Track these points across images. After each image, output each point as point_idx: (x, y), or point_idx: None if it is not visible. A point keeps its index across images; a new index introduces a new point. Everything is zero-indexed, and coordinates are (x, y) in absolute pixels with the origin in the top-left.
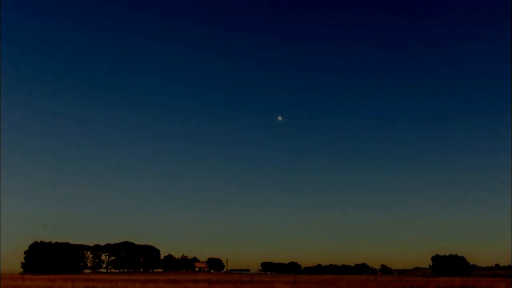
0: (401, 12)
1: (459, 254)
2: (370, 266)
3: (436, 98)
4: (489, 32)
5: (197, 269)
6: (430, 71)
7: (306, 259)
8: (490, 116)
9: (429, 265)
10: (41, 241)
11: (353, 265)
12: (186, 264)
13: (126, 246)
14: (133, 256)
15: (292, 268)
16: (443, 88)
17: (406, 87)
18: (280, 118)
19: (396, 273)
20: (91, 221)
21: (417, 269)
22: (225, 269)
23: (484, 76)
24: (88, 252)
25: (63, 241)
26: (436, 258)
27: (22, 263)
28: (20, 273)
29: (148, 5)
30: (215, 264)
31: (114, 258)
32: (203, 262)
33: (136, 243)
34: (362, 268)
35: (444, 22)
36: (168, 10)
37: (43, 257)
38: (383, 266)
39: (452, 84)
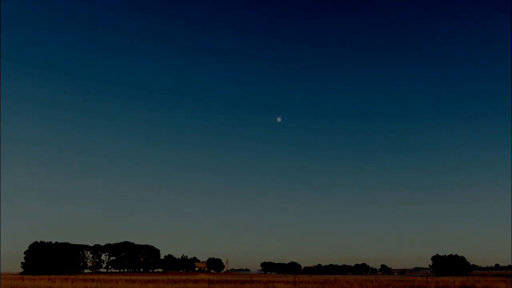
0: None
1: (459, 254)
2: (370, 266)
3: (438, 100)
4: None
5: (197, 269)
6: (431, 71)
7: (306, 259)
8: (490, 117)
9: (429, 265)
10: (41, 241)
11: (353, 265)
12: (186, 264)
13: (126, 246)
14: (133, 256)
15: (292, 268)
16: (445, 89)
17: (405, 86)
18: (279, 119)
19: (396, 273)
20: (91, 221)
21: (417, 269)
22: (225, 269)
23: (485, 78)
24: (88, 252)
25: (63, 241)
26: (436, 258)
27: (22, 263)
28: (20, 273)
29: (147, 8)
30: (215, 264)
31: (114, 258)
32: (203, 262)
33: (136, 243)
34: (362, 268)
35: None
36: (168, 15)
37: (43, 257)
38: (383, 266)
39: (454, 85)
